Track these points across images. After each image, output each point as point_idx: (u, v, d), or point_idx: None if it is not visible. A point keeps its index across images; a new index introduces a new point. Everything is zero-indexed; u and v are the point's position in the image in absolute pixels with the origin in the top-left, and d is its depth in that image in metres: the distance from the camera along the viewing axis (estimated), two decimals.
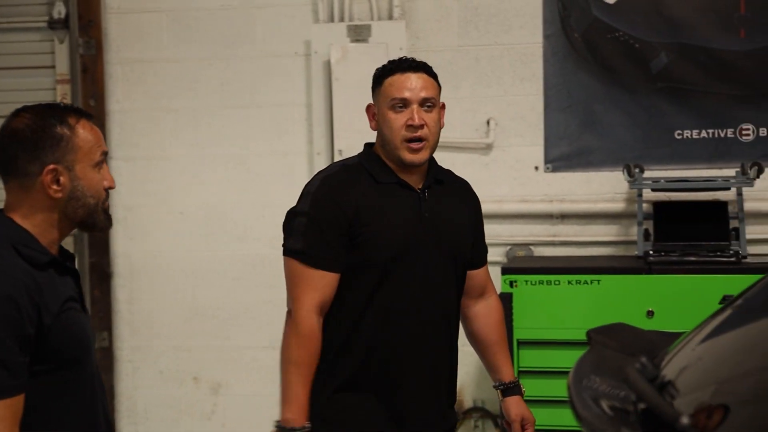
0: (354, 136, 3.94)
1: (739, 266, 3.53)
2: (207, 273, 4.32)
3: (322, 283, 2.27)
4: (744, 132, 3.94)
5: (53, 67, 4.32)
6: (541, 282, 3.50)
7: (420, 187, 2.38)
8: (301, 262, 2.29)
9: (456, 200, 2.46)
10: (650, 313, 3.42)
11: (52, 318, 1.73)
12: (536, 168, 4.08)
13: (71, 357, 1.79)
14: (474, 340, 2.58)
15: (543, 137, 4.06)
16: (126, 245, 4.37)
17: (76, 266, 4.41)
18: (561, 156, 4.03)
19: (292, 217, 2.36)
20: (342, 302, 2.32)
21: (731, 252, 3.60)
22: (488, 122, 4.11)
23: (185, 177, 4.31)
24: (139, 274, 4.36)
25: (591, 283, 3.45)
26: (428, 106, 2.34)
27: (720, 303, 3.41)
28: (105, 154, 1.87)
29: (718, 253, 3.59)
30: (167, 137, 4.34)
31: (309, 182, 2.39)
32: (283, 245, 2.36)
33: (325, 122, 4.10)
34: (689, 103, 3.95)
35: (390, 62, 2.38)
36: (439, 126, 2.39)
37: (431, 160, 2.43)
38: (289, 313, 2.31)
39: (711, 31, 3.92)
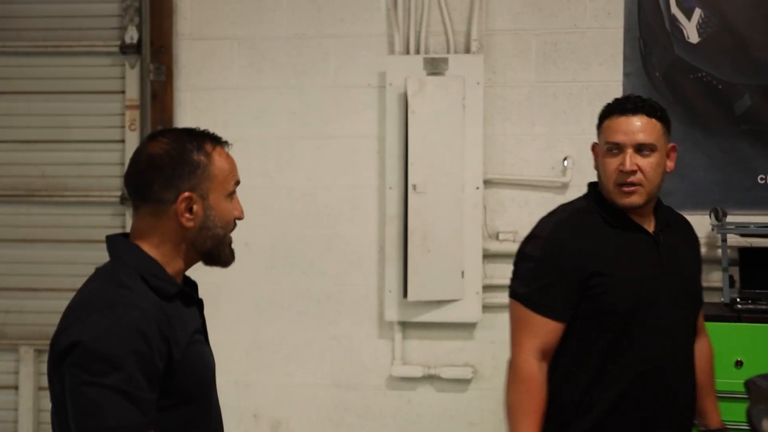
0: (428, 171, 4.09)
1: None
2: (270, 307, 4.36)
3: (544, 330, 2.31)
4: None
5: (123, 92, 4.41)
6: None
7: (653, 230, 2.40)
8: (525, 306, 2.33)
9: (683, 241, 2.47)
10: (739, 363, 3.44)
11: (180, 352, 1.74)
12: None
13: (197, 392, 1.81)
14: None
15: None
16: (189, 275, 4.47)
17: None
18: None
19: (520, 259, 2.40)
20: (577, 357, 2.33)
21: None
22: (565, 160, 4.17)
23: (252, 207, 4.29)
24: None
25: None
26: (645, 152, 2.33)
27: None
28: (237, 183, 1.92)
29: None
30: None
31: (540, 224, 2.42)
32: (510, 286, 2.41)
33: (399, 156, 4.17)
34: None
35: (614, 101, 2.40)
36: (662, 170, 2.36)
37: (658, 201, 2.44)
38: (511, 359, 2.35)
39: None
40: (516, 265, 2.42)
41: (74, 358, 1.61)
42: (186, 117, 4.46)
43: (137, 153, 1.82)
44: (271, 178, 4.42)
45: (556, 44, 4.23)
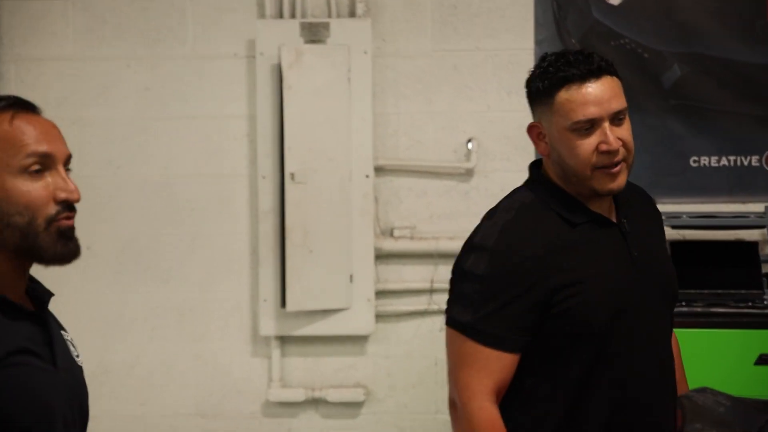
0: (308, 157, 3.94)
1: None
2: (119, 322, 4.18)
3: (497, 366, 2.05)
4: None
5: None
6: None
7: (616, 217, 2.16)
8: (470, 338, 2.07)
9: (647, 219, 2.24)
10: None
11: None
12: None
13: (23, 428, 1.58)
14: None
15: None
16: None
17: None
18: None
19: (459, 277, 2.12)
20: (543, 391, 2.11)
21: (765, 302, 3.57)
22: (468, 143, 4.08)
23: (94, 204, 4.11)
24: None
25: None
26: (620, 119, 2.08)
27: (756, 364, 3.40)
28: (45, 156, 1.66)
29: (749, 304, 3.55)
30: (72, 154, 4.12)
31: (480, 231, 2.14)
32: (446, 311, 2.13)
33: (273, 139, 4.01)
34: (707, 124, 3.97)
35: (556, 64, 2.10)
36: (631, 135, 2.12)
37: None
38: (454, 404, 2.09)
39: (732, 40, 3.94)
40: (453, 284, 2.14)
41: None
42: (10, 93, 4.05)
43: None
44: (117, 168, 4.19)
45: (455, 6, 4.11)
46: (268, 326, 4.06)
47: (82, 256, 4.55)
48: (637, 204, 2.23)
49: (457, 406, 2.09)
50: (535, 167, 2.20)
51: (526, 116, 4.16)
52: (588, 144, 2.06)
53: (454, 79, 4.09)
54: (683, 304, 3.55)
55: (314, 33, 4.02)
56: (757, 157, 3.97)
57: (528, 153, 4.01)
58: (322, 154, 3.95)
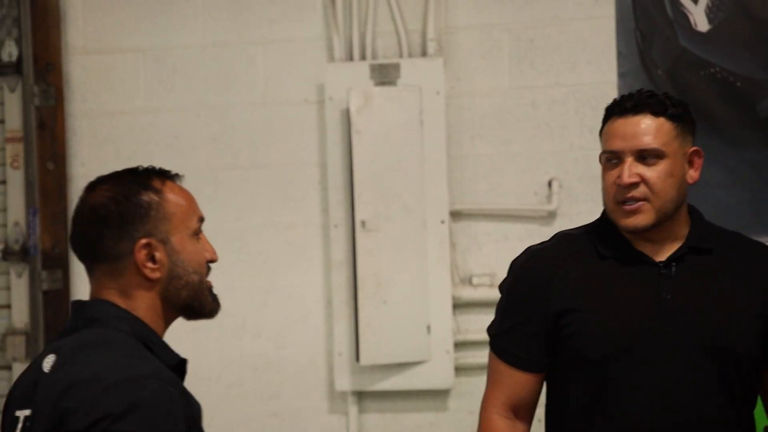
0: (380, 203, 3.99)
1: None
2: (192, 379, 4.10)
3: (511, 381, 2.27)
4: None
5: (2, 121, 4.32)
6: None
7: (663, 259, 2.23)
8: (491, 351, 2.33)
9: (731, 274, 2.25)
10: None
11: None
12: None
13: None
14: None
15: None
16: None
17: None
18: None
19: (500, 290, 2.39)
20: (558, 416, 2.29)
21: None
22: (550, 184, 4.06)
23: None
24: None
25: None
26: (651, 159, 2.20)
27: None
28: (201, 220, 1.90)
29: None
30: None
31: (522, 253, 2.38)
32: None
33: (344, 186, 4.06)
34: None
35: (615, 99, 2.31)
36: (677, 180, 2.21)
37: (695, 221, 2.29)
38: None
39: None
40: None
41: None
42: (82, 149, 4.35)
43: (78, 209, 1.86)
44: None
45: (532, 41, 4.12)
46: (344, 381, 4.08)
47: None
48: (726, 256, 2.26)
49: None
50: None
51: None
52: (610, 176, 2.23)
53: (533, 116, 4.08)
54: None
55: (384, 75, 4.07)
56: None
57: None
58: (395, 201, 3.99)
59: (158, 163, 4.30)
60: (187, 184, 4.42)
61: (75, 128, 4.30)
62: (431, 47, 4.07)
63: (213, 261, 1.89)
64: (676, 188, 2.21)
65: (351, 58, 4.12)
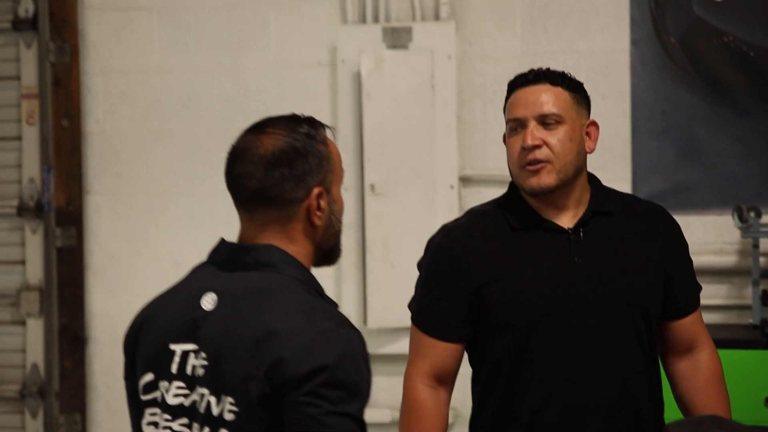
0: (390, 167, 4.03)
1: None
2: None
3: (432, 352, 2.40)
4: None
5: (18, 78, 4.36)
6: None
7: (572, 226, 2.39)
8: (413, 324, 2.44)
9: (632, 233, 2.43)
10: None
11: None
12: None
13: None
14: (679, 406, 2.54)
15: (630, 170, 4.02)
16: (105, 303, 4.34)
17: (42, 328, 4.41)
18: (653, 194, 3.93)
19: (418, 267, 2.49)
20: (485, 381, 2.42)
21: None
22: None
23: (179, 217, 4.29)
24: (121, 340, 4.28)
25: None
26: (549, 124, 2.37)
27: None
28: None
29: None
30: (157, 167, 4.32)
31: (437, 231, 2.50)
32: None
33: (354, 149, 4.09)
34: None
35: (520, 74, 2.46)
36: (576, 146, 2.38)
37: (595, 187, 2.46)
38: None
39: None
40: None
41: (311, 387, 1.74)
42: (97, 107, 4.41)
43: (246, 151, 1.88)
44: (201, 180, 4.33)
45: (546, 6, 4.12)
46: None
47: (167, 268, 4.75)
48: (626, 217, 2.43)
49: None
50: (513, 183, 2.49)
51: (623, 122, 4.17)
52: (515, 142, 2.39)
53: None
54: None
55: (396, 38, 4.09)
56: None
57: (626, 161, 4.03)
58: (404, 165, 4.03)
59: (171, 125, 4.43)
60: (199, 144, 4.53)
61: (89, 85, 4.35)
62: (444, 11, 4.08)
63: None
64: (575, 153, 2.37)
65: (364, 21, 4.14)
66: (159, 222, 4.32)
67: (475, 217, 2.46)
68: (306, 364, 1.73)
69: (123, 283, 4.34)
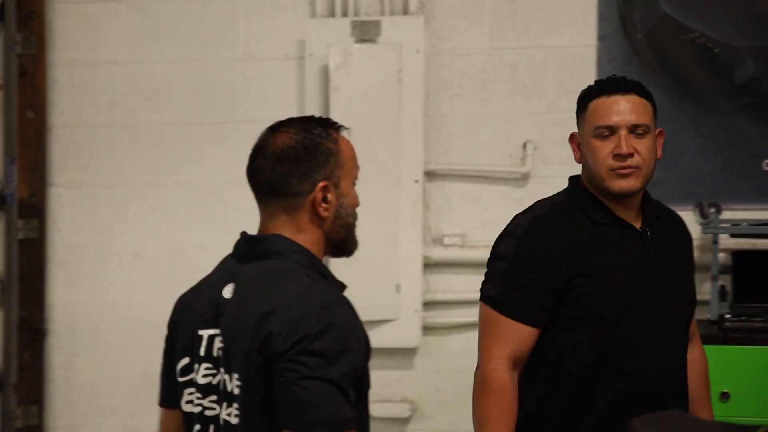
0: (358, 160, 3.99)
1: None
2: (159, 330, 4.27)
3: (516, 336, 2.51)
4: None
5: None
6: None
7: (640, 225, 2.60)
8: (494, 310, 2.53)
9: (673, 237, 2.69)
10: (725, 396, 3.40)
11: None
12: None
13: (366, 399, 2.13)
14: None
15: None
16: (65, 296, 4.36)
17: (1, 320, 4.44)
18: None
19: (493, 259, 2.61)
20: (557, 368, 2.54)
21: None
22: (525, 146, 4.12)
23: (142, 210, 4.31)
24: (80, 333, 4.34)
25: None
26: (639, 134, 2.54)
27: None
28: (358, 170, 2.19)
29: None
30: (122, 159, 4.34)
31: (514, 221, 2.63)
32: (481, 289, 2.61)
33: None
34: None
35: (597, 82, 2.62)
36: (655, 155, 2.59)
37: (645, 194, 2.64)
38: (478, 368, 2.55)
39: None
40: (488, 266, 2.62)
41: (291, 355, 1.92)
42: (62, 99, 4.43)
43: (262, 147, 2.10)
44: (166, 174, 4.37)
45: (514, 2, 4.17)
46: None
47: (128, 261, 4.77)
48: (666, 222, 2.67)
49: (477, 368, 2.55)
50: (574, 179, 2.68)
51: None
52: (605, 147, 2.53)
53: (512, 78, 4.14)
54: (743, 319, 3.56)
55: (365, 32, 4.12)
56: None
57: None
58: (370, 159, 3.99)
59: (137, 118, 4.44)
60: (164, 137, 4.55)
61: (56, 77, 4.37)
62: (413, 5, 4.12)
63: (358, 206, 2.16)
64: (654, 160, 2.58)
65: (333, 15, 4.17)
66: (122, 215, 4.34)
67: (553, 207, 2.61)
68: (292, 337, 1.92)
69: (84, 276, 4.36)
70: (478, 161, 4.13)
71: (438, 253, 4.15)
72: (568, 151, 3.96)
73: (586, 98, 2.59)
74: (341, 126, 2.15)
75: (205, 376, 2.06)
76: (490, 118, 4.14)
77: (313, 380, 1.91)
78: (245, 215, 4.14)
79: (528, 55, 4.13)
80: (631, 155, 2.51)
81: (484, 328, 2.56)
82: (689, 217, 3.85)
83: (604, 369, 2.51)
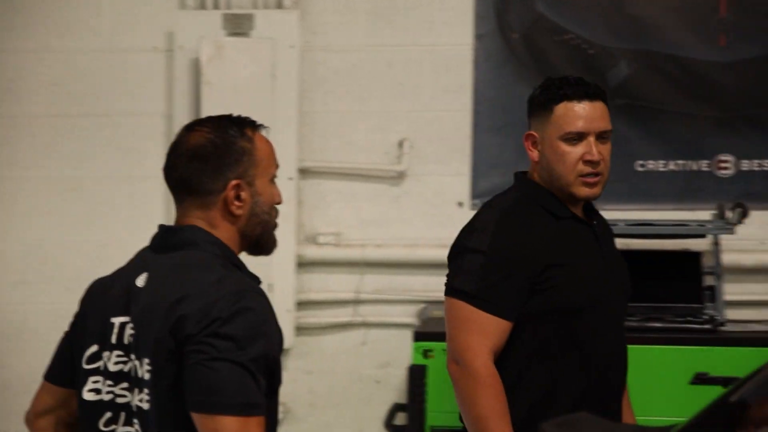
0: None
1: (715, 336, 3.58)
2: (20, 335, 4.21)
3: (494, 330, 2.56)
4: (722, 164, 4.03)
5: None
6: None
7: (585, 221, 2.71)
8: (471, 305, 2.56)
9: (609, 232, 2.82)
10: None
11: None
12: (460, 204, 4.11)
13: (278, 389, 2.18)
14: None
15: (470, 165, 4.11)
16: None
17: None
18: (492, 189, 3.88)
19: (461, 252, 2.63)
20: (531, 357, 2.60)
21: (705, 317, 3.63)
22: (401, 144, 4.14)
23: None
24: None
25: None
26: (604, 138, 2.64)
27: (691, 383, 3.46)
28: (277, 167, 2.21)
29: (689, 318, 3.61)
30: None
31: (481, 217, 2.68)
32: (448, 284, 2.63)
33: None
34: (655, 126, 4.03)
35: (559, 82, 2.66)
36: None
37: None
38: (456, 364, 2.57)
39: (684, 36, 4.00)
40: (456, 259, 2.65)
41: (201, 338, 1.97)
42: None
43: (176, 146, 2.16)
44: (24, 168, 4.27)
45: None
46: None
47: None
48: (599, 219, 2.79)
49: (460, 366, 2.56)
50: (522, 175, 2.73)
51: (464, 116, 4.27)
52: (574, 153, 2.61)
53: (388, 75, 4.16)
54: None
55: (238, 25, 4.10)
56: (707, 161, 4.04)
57: (464, 155, 4.11)
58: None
59: None
60: (21, 131, 4.42)
61: None
62: None
63: (279, 203, 2.20)
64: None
65: (203, 7, 4.14)
66: None
67: (516, 202, 2.66)
68: (204, 320, 1.97)
69: None
70: (354, 159, 4.14)
71: (312, 252, 4.14)
72: (444, 149, 4.12)
73: (550, 100, 2.64)
74: (260, 125, 2.19)
75: (116, 363, 2.08)
76: (365, 116, 4.16)
77: (221, 362, 1.94)
78: (109, 212, 4.18)
79: (404, 52, 4.16)
80: (599, 162, 2.61)
81: (458, 323, 2.59)
82: None
83: (574, 358, 2.60)
